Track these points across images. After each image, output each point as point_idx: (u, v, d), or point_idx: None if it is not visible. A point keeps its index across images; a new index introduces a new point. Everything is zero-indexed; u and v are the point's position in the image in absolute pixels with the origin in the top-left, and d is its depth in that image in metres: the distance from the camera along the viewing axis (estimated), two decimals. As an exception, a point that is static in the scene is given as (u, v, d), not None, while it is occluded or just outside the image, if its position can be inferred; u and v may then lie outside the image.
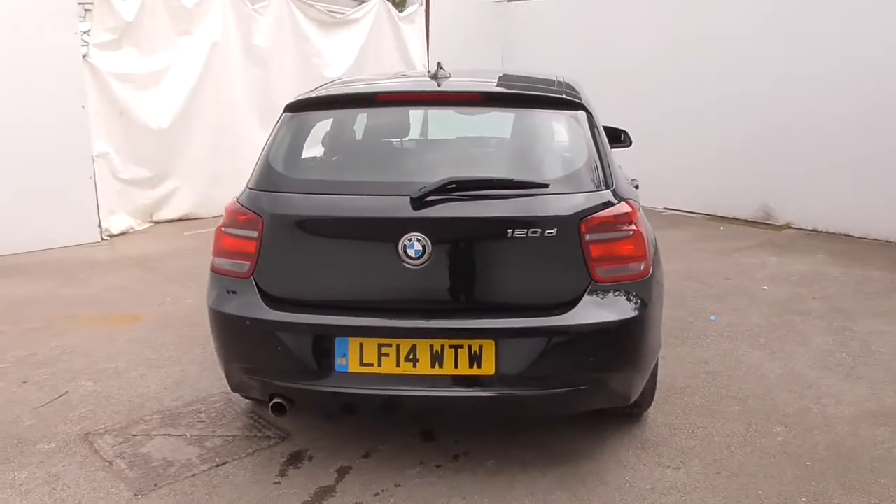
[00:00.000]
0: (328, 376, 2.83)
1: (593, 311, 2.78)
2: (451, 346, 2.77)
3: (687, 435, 3.38)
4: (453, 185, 2.78)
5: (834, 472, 3.08)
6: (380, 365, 2.80)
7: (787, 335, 4.58)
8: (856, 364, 4.14)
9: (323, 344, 2.84)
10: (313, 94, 3.30)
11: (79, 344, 4.56)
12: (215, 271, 3.06)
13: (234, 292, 2.96)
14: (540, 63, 8.22)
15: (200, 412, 3.67)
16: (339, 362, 2.82)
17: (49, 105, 6.61)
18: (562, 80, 3.56)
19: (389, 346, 2.79)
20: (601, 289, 2.82)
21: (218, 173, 8.02)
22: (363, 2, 9.76)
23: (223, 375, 3.35)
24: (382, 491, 2.98)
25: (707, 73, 8.10)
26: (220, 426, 3.52)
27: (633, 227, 2.87)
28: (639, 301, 2.85)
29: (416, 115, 3.59)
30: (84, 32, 7.21)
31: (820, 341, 4.47)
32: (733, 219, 8.09)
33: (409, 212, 2.76)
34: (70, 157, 6.79)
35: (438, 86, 3.23)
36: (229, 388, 3.66)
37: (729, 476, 3.05)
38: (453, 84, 3.25)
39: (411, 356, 2.78)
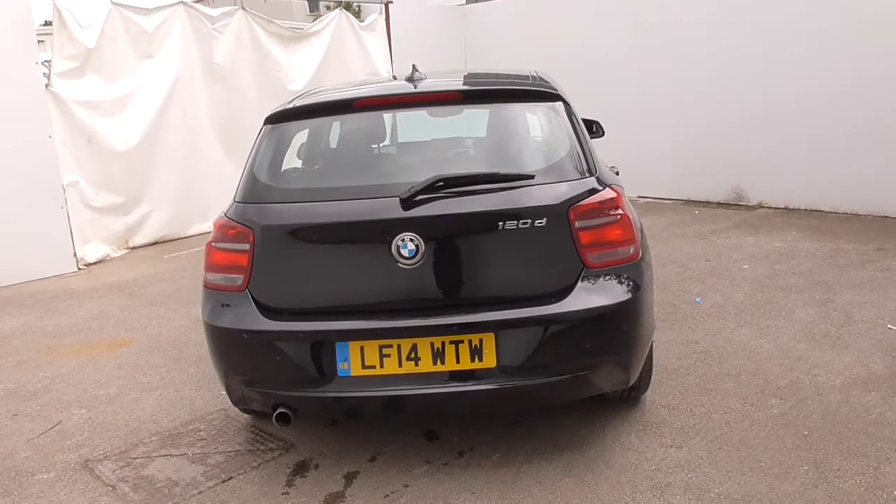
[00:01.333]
0: (332, 381, 2.84)
1: (588, 296, 2.82)
2: (451, 342, 2.78)
3: (686, 414, 3.43)
4: (441, 183, 2.81)
5: (831, 438, 3.14)
6: (382, 366, 2.81)
7: (772, 311, 4.66)
8: (840, 334, 4.23)
9: (324, 350, 2.84)
10: (292, 105, 3.31)
11: (67, 373, 4.50)
12: (208, 287, 3.05)
13: (229, 306, 2.95)
14: (505, 61, 8.28)
15: (200, 430, 3.64)
16: (341, 367, 2.82)
17: (15, 137, 6.52)
18: (535, 74, 3.61)
19: (390, 346, 2.80)
20: (594, 274, 2.86)
21: (188, 193, 7.99)
22: (316, 18, 9.75)
23: (222, 392, 3.34)
24: (392, 492, 2.99)
25: (672, 62, 8.22)
26: (221, 442, 3.50)
27: (620, 211, 2.92)
28: (631, 283, 2.90)
29: (390, 119, 3.60)
30: (45, 62, 7.13)
31: (803, 315, 4.56)
32: (707, 202, 8.21)
33: (399, 212, 2.78)
34: (40, 187, 6.70)
35: (415, 87, 3.26)
36: (227, 405, 3.68)
37: (730, 450, 3.11)
38: (432, 84, 3.28)
39: (413, 355, 2.80)
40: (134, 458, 3.41)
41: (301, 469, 3.22)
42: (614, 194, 2.94)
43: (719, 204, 8.09)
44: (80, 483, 3.23)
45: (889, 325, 4.29)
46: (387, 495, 2.97)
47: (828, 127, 7.14)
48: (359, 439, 3.40)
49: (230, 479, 3.18)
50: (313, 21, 9.58)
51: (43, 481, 3.27)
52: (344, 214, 2.86)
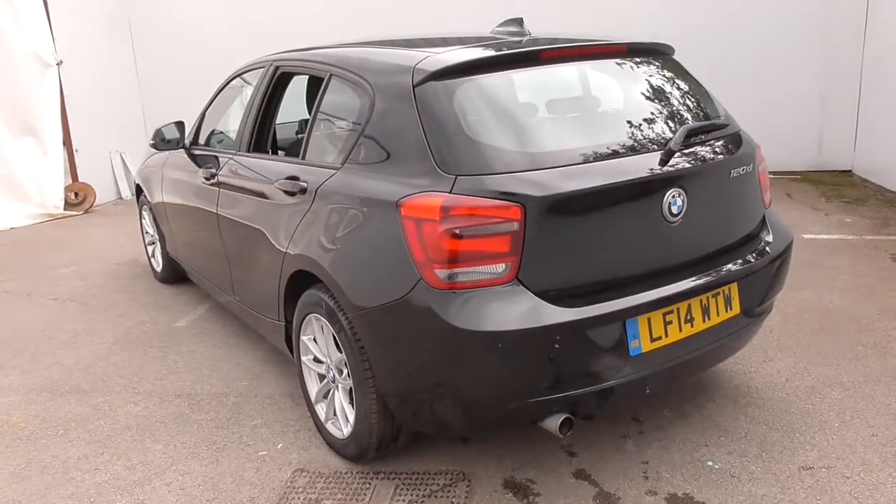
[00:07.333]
0: (626, 364, 2.50)
1: (778, 234, 3.05)
2: (713, 296, 2.72)
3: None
4: (690, 133, 2.70)
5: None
6: (667, 335, 2.59)
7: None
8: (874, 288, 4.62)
9: (616, 331, 2.48)
10: (474, 57, 2.71)
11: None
12: (443, 287, 2.33)
13: (497, 303, 2.33)
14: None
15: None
16: (632, 346, 2.51)
17: None
18: None
19: (671, 312, 2.60)
20: (768, 215, 3.09)
21: None
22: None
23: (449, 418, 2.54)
24: (645, 477, 2.77)
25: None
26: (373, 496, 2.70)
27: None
28: (782, 221, 3.20)
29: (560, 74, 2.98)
30: None
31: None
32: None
33: (666, 167, 2.59)
34: None
35: (565, 42, 2.94)
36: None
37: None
38: (591, 37, 3.04)
39: (689, 316, 2.65)
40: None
41: (517, 489, 2.72)
42: (755, 143, 3.18)
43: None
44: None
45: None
46: (645, 477, 2.75)
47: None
48: (507, 445, 2.98)
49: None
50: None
51: None
52: (619, 174, 2.50)
